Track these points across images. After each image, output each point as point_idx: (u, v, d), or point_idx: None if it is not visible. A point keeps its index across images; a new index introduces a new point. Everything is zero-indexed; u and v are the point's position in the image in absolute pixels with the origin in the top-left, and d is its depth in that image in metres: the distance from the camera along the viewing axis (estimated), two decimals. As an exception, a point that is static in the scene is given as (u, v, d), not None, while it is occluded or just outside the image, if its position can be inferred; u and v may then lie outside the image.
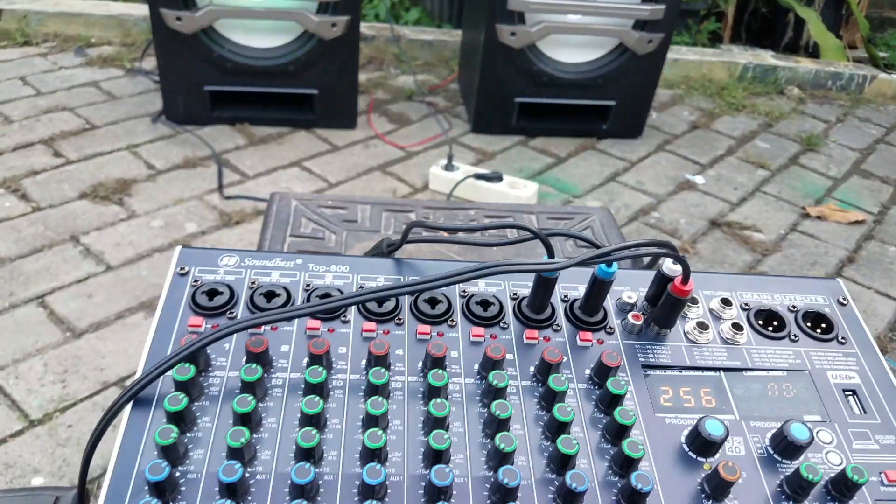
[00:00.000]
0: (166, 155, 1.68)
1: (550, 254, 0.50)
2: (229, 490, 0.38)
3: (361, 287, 0.52)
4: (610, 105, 1.89)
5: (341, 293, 0.51)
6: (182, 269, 0.53)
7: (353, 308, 0.50)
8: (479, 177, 1.64)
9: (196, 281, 0.52)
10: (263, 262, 0.54)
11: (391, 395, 0.45)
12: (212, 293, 0.50)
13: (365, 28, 2.27)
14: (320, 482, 0.40)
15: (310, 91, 1.78)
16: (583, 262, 0.46)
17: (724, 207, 1.75)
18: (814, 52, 2.70)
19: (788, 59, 2.53)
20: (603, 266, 0.48)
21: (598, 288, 0.50)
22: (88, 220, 1.46)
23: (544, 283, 0.50)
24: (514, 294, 0.53)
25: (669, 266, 0.50)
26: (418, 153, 1.84)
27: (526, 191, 1.61)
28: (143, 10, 2.26)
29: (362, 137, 1.88)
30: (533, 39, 1.74)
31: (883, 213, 1.82)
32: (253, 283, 0.52)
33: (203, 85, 1.73)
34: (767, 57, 2.50)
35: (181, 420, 0.42)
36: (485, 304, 0.52)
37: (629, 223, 1.64)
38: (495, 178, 1.64)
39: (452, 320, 0.51)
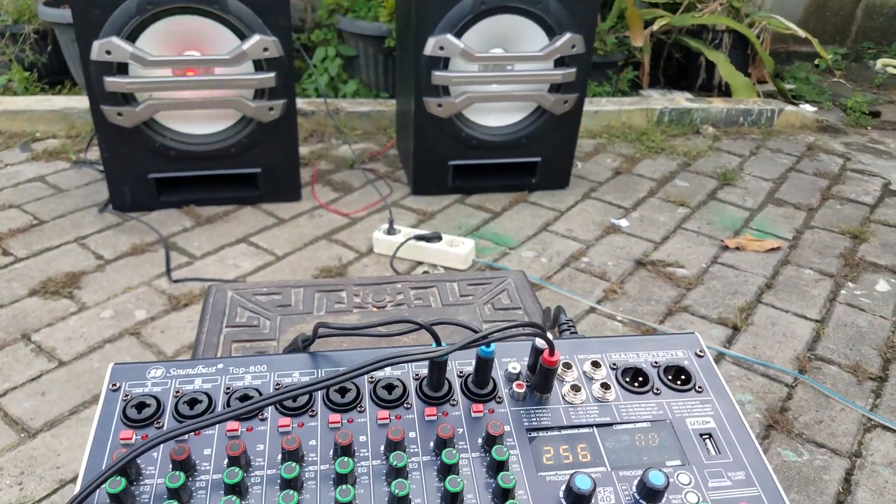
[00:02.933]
0: (114, 244, 1.73)
1: (437, 342, 0.58)
2: None
3: (278, 385, 0.59)
4: (536, 161, 2.02)
5: (260, 393, 0.58)
6: (114, 385, 0.59)
7: (270, 407, 0.57)
8: (419, 238, 1.73)
9: (126, 395, 0.58)
10: (187, 370, 0.60)
11: (304, 485, 0.51)
12: (140, 406, 0.56)
13: (304, 104, 2.38)
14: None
15: (253, 170, 1.87)
16: (463, 346, 0.55)
17: (649, 247, 1.88)
18: (727, 91, 2.93)
19: (702, 100, 2.74)
20: (483, 347, 0.57)
21: (483, 365, 0.58)
22: (39, 316, 1.48)
23: (437, 366, 0.58)
24: (416, 374, 0.61)
25: (539, 342, 0.58)
26: (362, 219, 1.93)
27: (464, 248, 1.71)
28: (86, 102, 2.33)
29: (307, 208, 1.96)
30: (458, 109, 1.87)
31: (797, 238, 1.97)
32: (177, 392, 0.58)
33: (148, 173, 1.79)
34: (682, 100, 2.71)
35: (117, 527, 0.48)
36: (389, 387, 0.59)
37: (562, 269, 1.74)
38: (435, 237, 1.73)
39: (361, 406, 0.58)
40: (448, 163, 1.96)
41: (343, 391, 0.59)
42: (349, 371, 0.54)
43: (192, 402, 0.57)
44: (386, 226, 1.78)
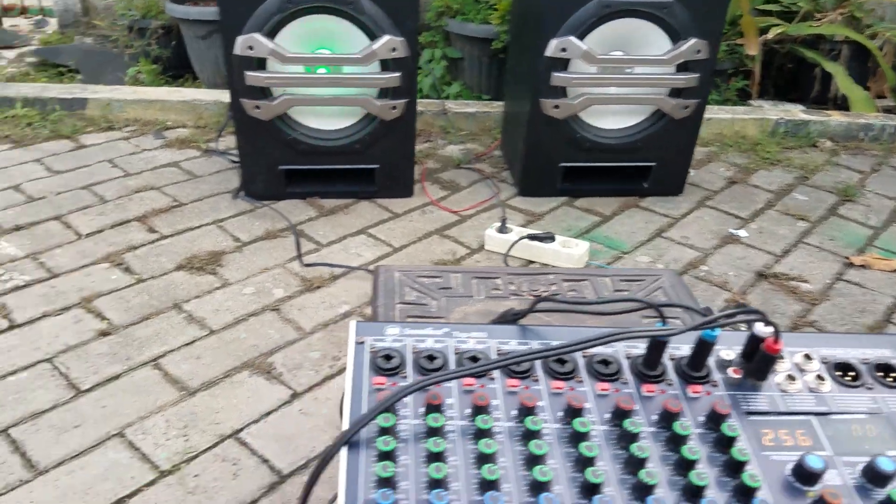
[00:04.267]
0: (249, 228, 1.85)
1: (664, 321, 0.61)
2: None
3: (499, 351, 0.64)
4: (650, 165, 2.02)
5: (486, 357, 0.62)
6: (359, 339, 0.65)
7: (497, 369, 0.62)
8: (532, 237, 1.77)
9: (372, 348, 0.64)
10: (418, 331, 0.66)
11: (544, 438, 0.56)
12: (387, 357, 0.63)
13: (415, 103, 2.46)
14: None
15: (372, 166, 1.95)
16: (696, 327, 0.58)
17: (769, 259, 1.84)
18: (842, 105, 2.82)
19: (819, 113, 2.65)
20: (708, 331, 0.59)
21: (703, 348, 0.61)
22: (187, 289, 1.61)
23: (658, 346, 0.61)
24: (628, 354, 0.64)
25: (761, 328, 0.60)
26: (471, 217, 1.99)
27: (578, 249, 1.73)
28: (214, 95, 2.50)
29: (418, 204, 2.03)
30: (575, 111, 1.90)
31: (924, 259, 1.88)
32: (414, 348, 0.64)
33: (278, 164, 1.91)
34: (798, 112, 2.63)
35: (390, 458, 0.53)
36: (605, 362, 0.63)
37: (680, 277, 1.73)
38: (548, 238, 1.76)
39: (580, 377, 0.62)
40: (558, 164, 1.99)
41: (562, 362, 0.63)
42: (582, 341, 0.58)
43: (430, 358, 0.62)
44: (498, 224, 1.83)
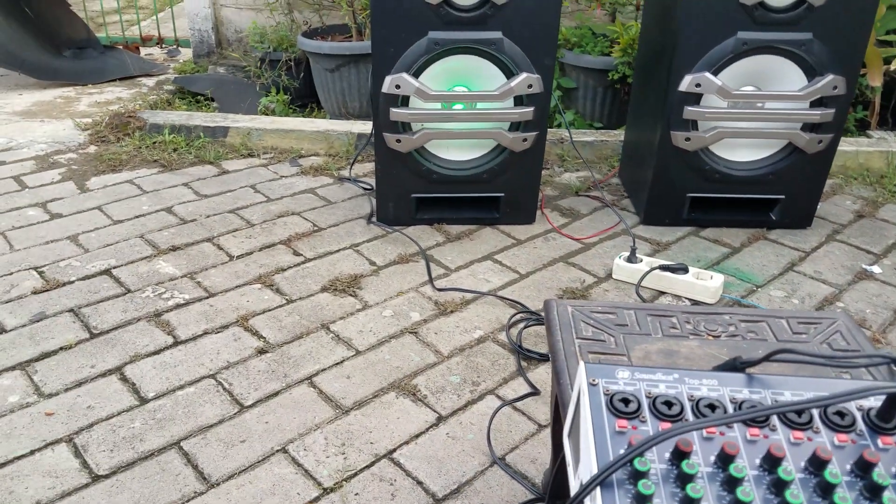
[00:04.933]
0: (383, 252, 1.96)
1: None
2: None
3: (733, 399, 0.68)
4: (779, 198, 1.99)
5: (722, 405, 0.66)
6: (593, 380, 0.70)
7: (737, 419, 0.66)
8: (664, 268, 1.78)
9: (606, 390, 0.69)
10: (649, 376, 0.71)
11: (793, 487, 0.59)
12: (625, 401, 0.67)
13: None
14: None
15: (498, 194, 2.03)
16: (942, 387, 0.60)
17: (909, 297, 1.78)
18: (970, 133, 2.66)
19: (947, 142, 2.53)
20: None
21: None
22: (332, 310, 1.73)
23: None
24: (860, 406, 0.66)
25: None
26: (594, 244, 2.02)
27: (713, 282, 1.73)
28: (345, 126, 2.66)
29: (541, 231, 2.08)
30: (706, 144, 1.91)
31: None
32: (648, 393, 0.69)
33: (411, 192, 2.02)
34: (925, 142, 2.52)
35: (649, 501, 0.58)
36: (840, 414, 0.65)
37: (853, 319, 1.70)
38: (681, 269, 1.77)
39: (816, 428, 0.65)
40: (686, 194, 1.99)
41: (799, 413, 0.66)
42: (843, 394, 0.61)
43: (668, 404, 0.67)
44: (626, 253, 1.85)
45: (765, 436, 0.64)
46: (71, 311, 1.70)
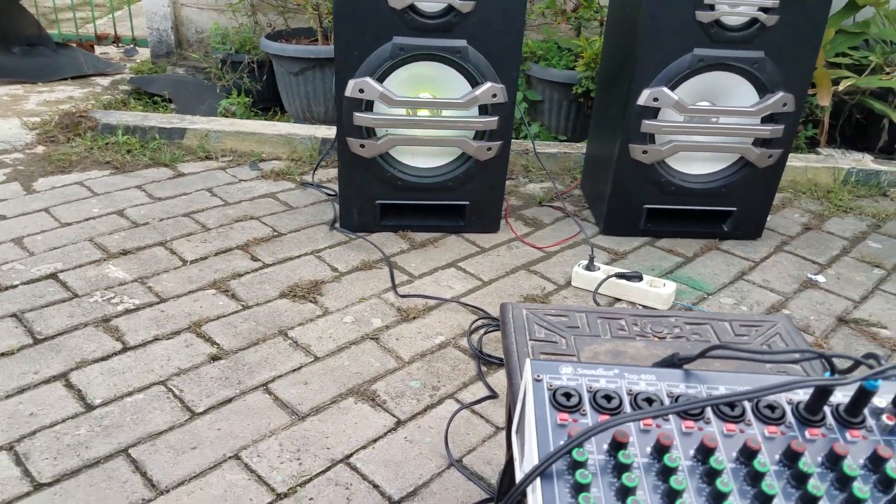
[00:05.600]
0: (345, 259, 1.95)
1: (833, 371, 0.66)
2: None
3: (670, 394, 0.69)
4: (731, 210, 2.06)
5: (659, 399, 0.68)
6: (537, 376, 0.72)
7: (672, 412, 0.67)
8: (620, 276, 1.82)
9: (550, 385, 0.70)
10: (591, 371, 0.72)
11: (724, 476, 0.61)
12: (567, 395, 0.69)
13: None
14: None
15: (462, 202, 2.04)
16: (864, 378, 0.62)
17: (849, 305, 1.85)
18: (911, 153, 2.81)
19: (890, 163, 2.66)
20: (871, 380, 0.64)
21: (865, 396, 0.65)
22: (291, 316, 1.70)
23: (824, 394, 0.66)
24: (789, 400, 0.69)
25: (926, 380, 0.65)
26: (555, 253, 2.05)
27: (666, 290, 1.77)
28: (308, 130, 2.65)
29: (504, 240, 2.10)
30: (663, 157, 1.96)
31: None
32: (590, 388, 0.70)
33: (375, 199, 2.01)
34: (869, 162, 2.64)
35: (587, 490, 0.59)
36: (771, 408, 0.68)
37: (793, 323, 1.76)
38: (635, 277, 1.81)
39: (748, 420, 0.67)
40: (643, 206, 2.04)
41: (732, 406, 0.68)
42: (771, 387, 0.63)
43: (607, 398, 0.68)
44: (585, 262, 1.88)
45: (699, 428, 0.66)
46: (13, 315, 1.63)
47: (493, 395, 1.50)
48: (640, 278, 1.81)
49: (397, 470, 1.30)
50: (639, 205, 2.05)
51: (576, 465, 0.61)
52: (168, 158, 2.47)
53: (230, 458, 1.30)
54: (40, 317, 1.63)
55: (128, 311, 1.68)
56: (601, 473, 0.62)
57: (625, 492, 0.59)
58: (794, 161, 2.55)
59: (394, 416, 1.43)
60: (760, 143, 1.97)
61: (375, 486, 1.26)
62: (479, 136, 1.94)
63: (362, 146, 1.91)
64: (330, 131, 2.58)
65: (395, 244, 2.05)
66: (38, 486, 1.22)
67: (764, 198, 2.06)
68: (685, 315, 1.13)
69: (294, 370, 1.53)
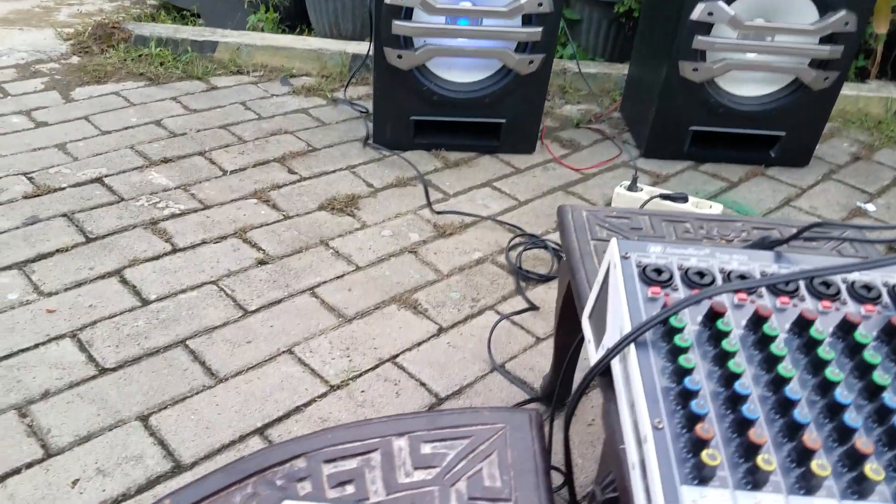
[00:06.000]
0: (380, 175, 1.93)
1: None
2: (736, 400, 0.55)
3: (763, 272, 0.68)
4: (780, 135, 2.00)
5: (753, 277, 0.67)
6: (625, 254, 0.70)
7: (764, 287, 0.66)
8: (664, 197, 1.78)
9: (639, 262, 0.69)
10: (681, 250, 0.71)
11: (825, 347, 0.60)
12: (657, 271, 0.68)
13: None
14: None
15: (499, 120, 1.99)
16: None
17: (899, 235, 1.82)
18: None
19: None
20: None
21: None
22: (330, 227, 1.70)
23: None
24: (885, 282, 0.68)
25: None
26: (594, 175, 2.01)
27: (713, 211, 1.74)
28: (338, 45, 2.58)
29: (540, 161, 2.07)
30: (714, 75, 1.89)
31: None
32: (680, 266, 0.69)
33: (410, 115, 1.97)
34: (923, 91, 2.53)
35: (683, 353, 0.59)
36: (867, 288, 0.66)
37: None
38: (680, 198, 1.78)
39: (842, 299, 0.66)
40: (688, 128, 1.99)
41: (827, 284, 0.67)
42: (875, 262, 0.62)
43: (700, 274, 0.67)
44: (627, 182, 1.85)
45: (794, 304, 0.65)
46: (64, 215, 1.65)
47: (535, 307, 1.50)
48: (685, 199, 1.77)
49: (442, 371, 1.33)
50: (684, 127, 1.99)
51: (673, 332, 0.61)
52: (200, 72, 2.43)
53: (284, 352, 1.34)
54: (90, 217, 1.65)
55: (174, 216, 1.69)
56: (696, 344, 0.61)
57: (724, 356, 0.59)
58: (846, 90, 2.44)
59: (436, 323, 1.44)
60: (817, 64, 1.88)
61: (422, 384, 1.29)
62: (521, 48, 1.87)
63: (399, 57, 1.85)
64: (360, 47, 2.50)
65: (429, 162, 2.02)
66: (103, 371, 1.26)
67: (815, 123, 1.99)
68: (752, 220, 1.10)
69: (338, 277, 1.54)
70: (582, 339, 0.93)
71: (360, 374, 1.31)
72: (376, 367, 1.33)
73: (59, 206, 1.68)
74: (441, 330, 1.43)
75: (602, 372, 0.68)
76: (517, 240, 1.71)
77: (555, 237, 1.73)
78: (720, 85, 1.94)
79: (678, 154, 2.05)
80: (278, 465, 0.66)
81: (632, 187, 1.83)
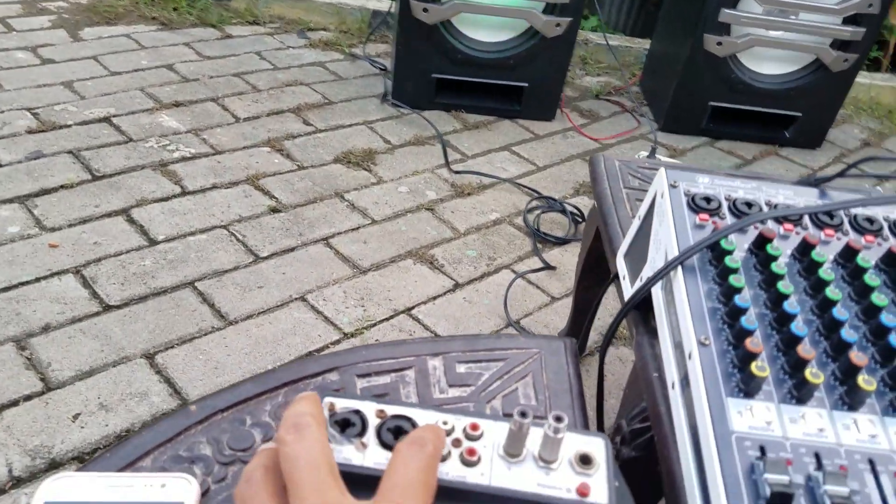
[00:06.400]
0: (397, 132, 1.91)
1: None
2: (784, 319, 0.54)
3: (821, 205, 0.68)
4: (796, 115, 2.00)
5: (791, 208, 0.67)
6: (673, 182, 0.70)
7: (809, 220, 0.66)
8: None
9: (687, 191, 0.69)
10: (729, 182, 0.70)
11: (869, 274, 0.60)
12: (706, 199, 0.67)
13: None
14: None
15: (521, 84, 1.97)
16: None
17: (908, 221, 1.83)
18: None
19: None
20: None
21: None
22: (346, 180, 1.68)
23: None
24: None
25: None
26: (612, 146, 2.01)
27: (727, 187, 1.74)
28: (359, 0, 2.53)
29: (559, 129, 2.05)
30: (738, 50, 1.88)
31: None
32: (728, 196, 0.69)
33: (431, 72, 1.94)
34: (937, 84, 2.54)
35: (734, 273, 0.58)
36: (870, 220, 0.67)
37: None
38: (696, 173, 1.77)
39: (885, 235, 0.66)
40: (708, 103, 1.98)
41: (872, 221, 0.67)
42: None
43: (748, 205, 0.67)
44: (645, 152, 1.85)
45: (838, 238, 0.65)
46: (70, 152, 1.61)
47: (551, 267, 1.50)
48: (700, 173, 1.77)
49: (457, 324, 1.33)
50: (704, 102, 1.98)
51: (723, 254, 0.61)
52: (215, 19, 2.38)
53: (296, 299, 1.32)
54: (97, 156, 1.62)
55: (184, 159, 1.66)
56: (746, 267, 0.61)
57: (773, 279, 0.59)
58: (859, 78, 2.45)
59: (452, 278, 1.44)
60: (838, 45, 1.88)
61: (437, 336, 1.29)
62: (549, 9, 1.84)
63: (425, 10, 1.82)
64: (381, 4, 2.46)
65: (448, 123, 2.00)
66: (108, 308, 1.24)
67: (831, 106, 1.99)
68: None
69: (353, 229, 1.53)
70: (600, 299, 0.93)
71: (375, 324, 1.30)
72: (391, 317, 1.32)
73: (64, 142, 1.65)
74: (457, 285, 1.43)
75: (636, 306, 0.68)
76: (535, 203, 1.71)
77: (573, 202, 1.72)
78: (742, 61, 1.93)
79: (695, 129, 2.04)
80: (311, 377, 0.65)
81: (650, 157, 1.83)
